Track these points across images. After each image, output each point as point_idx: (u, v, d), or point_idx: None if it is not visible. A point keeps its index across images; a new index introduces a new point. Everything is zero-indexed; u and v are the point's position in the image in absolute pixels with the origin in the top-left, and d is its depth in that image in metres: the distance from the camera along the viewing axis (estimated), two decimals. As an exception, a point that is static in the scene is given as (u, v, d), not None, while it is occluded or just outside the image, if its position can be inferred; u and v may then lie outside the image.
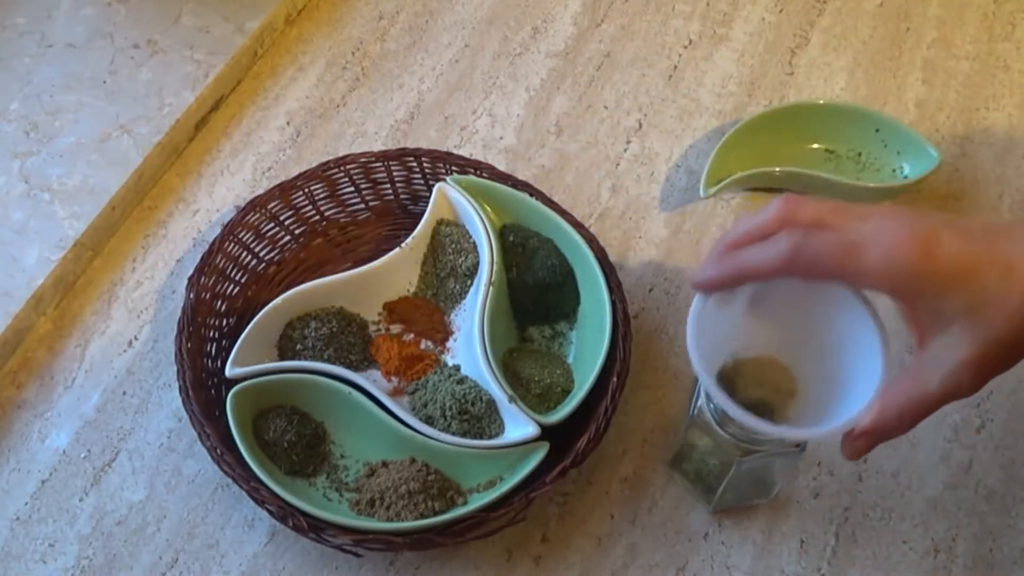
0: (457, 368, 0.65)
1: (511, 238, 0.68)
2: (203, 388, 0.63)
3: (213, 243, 0.67)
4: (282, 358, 0.65)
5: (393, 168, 0.72)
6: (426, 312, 0.68)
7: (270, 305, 0.65)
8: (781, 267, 0.46)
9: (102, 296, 0.72)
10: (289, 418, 0.62)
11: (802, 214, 0.47)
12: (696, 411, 0.57)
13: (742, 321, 0.52)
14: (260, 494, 0.57)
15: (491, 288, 0.65)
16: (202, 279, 0.66)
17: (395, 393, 0.65)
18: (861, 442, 0.48)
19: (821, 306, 0.51)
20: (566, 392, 0.63)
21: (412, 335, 0.68)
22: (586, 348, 0.65)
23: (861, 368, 0.49)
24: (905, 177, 0.74)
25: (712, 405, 0.55)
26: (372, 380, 0.64)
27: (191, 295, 0.65)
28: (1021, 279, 0.43)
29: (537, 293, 0.67)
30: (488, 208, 0.68)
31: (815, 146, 0.76)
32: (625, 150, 0.79)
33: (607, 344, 0.62)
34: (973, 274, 0.43)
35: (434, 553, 0.61)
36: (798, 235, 0.45)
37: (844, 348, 0.51)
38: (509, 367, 0.64)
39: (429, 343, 0.68)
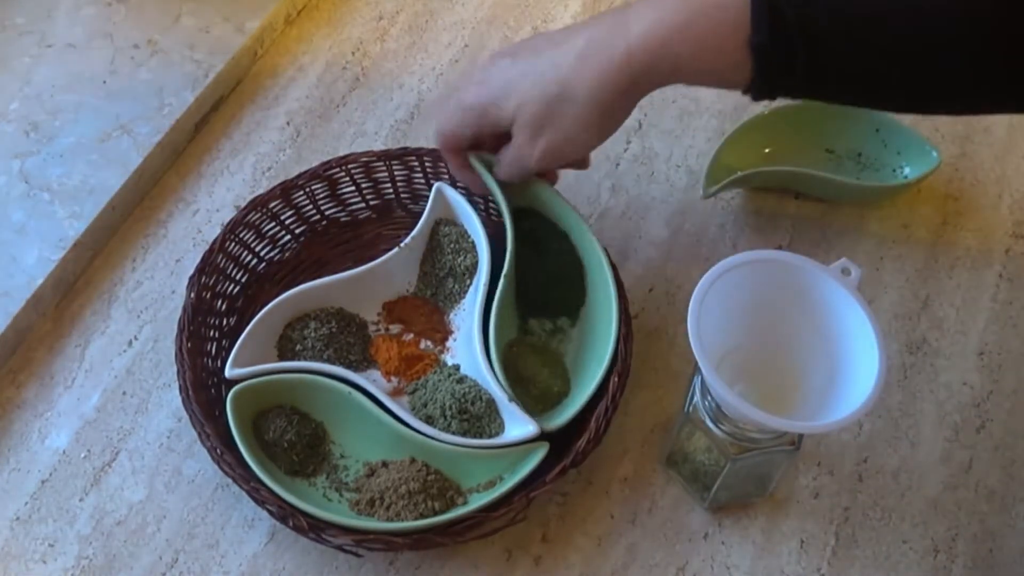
0: (457, 368, 0.65)
1: (526, 224, 0.67)
2: (203, 388, 0.63)
3: (214, 242, 0.67)
4: (282, 358, 0.65)
5: (394, 167, 0.72)
6: (425, 312, 0.68)
7: (269, 305, 0.65)
8: None
9: (102, 296, 0.72)
10: (289, 418, 0.62)
11: None
12: (691, 408, 0.57)
13: (741, 315, 0.52)
14: (260, 494, 0.57)
15: (504, 280, 0.64)
16: (203, 278, 0.66)
17: (395, 393, 0.65)
18: None
19: (818, 302, 0.51)
20: (563, 395, 0.63)
21: (412, 335, 0.68)
22: (589, 350, 0.65)
23: (857, 364, 0.49)
24: (905, 177, 0.74)
25: (707, 402, 0.55)
26: (372, 380, 0.64)
27: (191, 294, 0.65)
28: None
29: (546, 284, 0.67)
30: (509, 187, 0.65)
31: (815, 146, 0.76)
32: (625, 150, 0.79)
33: (611, 351, 0.62)
34: None
35: (434, 553, 0.61)
36: None
37: (841, 344, 0.51)
38: (509, 363, 0.64)
39: (429, 343, 0.68)
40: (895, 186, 0.73)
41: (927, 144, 0.73)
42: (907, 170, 0.74)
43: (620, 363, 0.61)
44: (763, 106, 0.80)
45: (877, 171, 0.75)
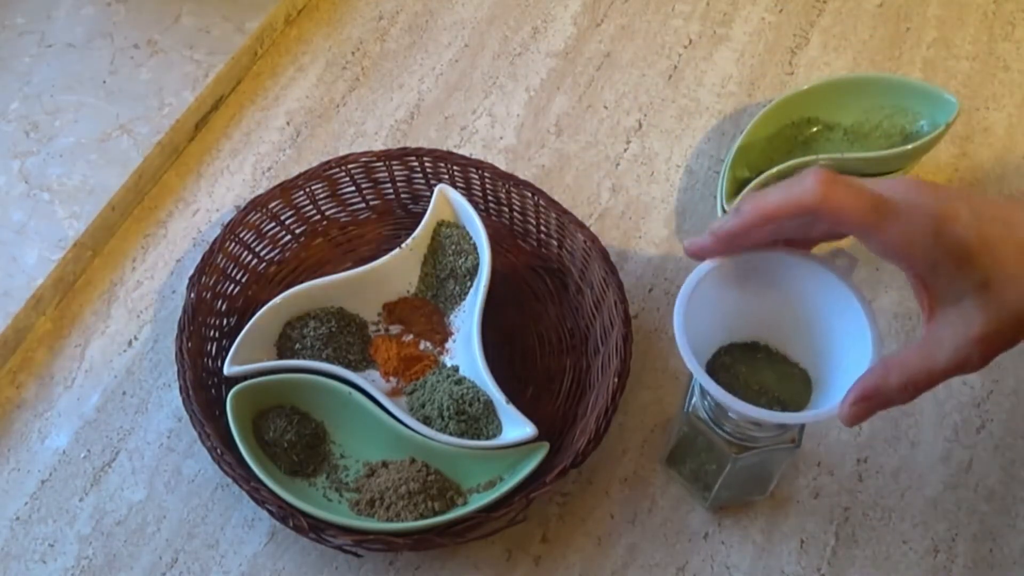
0: (455, 369, 0.65)
1: None
2: (203, 388, 0.63)
3: (214, 242, 0.67)
4: (281, 357, 0.65)
5: (394, 168, 0.72)
6: (425, 313, 0.68)
7: (269, 304, 0.65)
8: (809, 204, 0.44)
9: (102, 296, 0.72)
10: (289, 418, 0.62)
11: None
12: (691, 408, 0.57)
13: (732, 308, 0.52)
14: (260, 494, 0.58)
15: None
16: (203, 278, 0.66)
17: (393, 393, 0.65)
18: (860, 407, 0.47)
19: (811, 293, 0.51)
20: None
21: (411, 336, 0.68)
22: None
23: (851, 354, 0.49)
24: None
25: (707, 402, 0.55)
26: (370, 380, 0.64)
27: (192, 294, 0.65)
28: None
29: None
30: None
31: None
32: (625, 150, 0.79)
33: None
34: (989, 251, 0.43)
35: (434, 553, 0.61)
36: (828, 174, 0.44)
37: (834, 334, 0.51)
38: None
39: (428, 344, 0.68)
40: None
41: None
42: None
43: (620, 363, 0.61)
44: (761, 106, 0.80)
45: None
